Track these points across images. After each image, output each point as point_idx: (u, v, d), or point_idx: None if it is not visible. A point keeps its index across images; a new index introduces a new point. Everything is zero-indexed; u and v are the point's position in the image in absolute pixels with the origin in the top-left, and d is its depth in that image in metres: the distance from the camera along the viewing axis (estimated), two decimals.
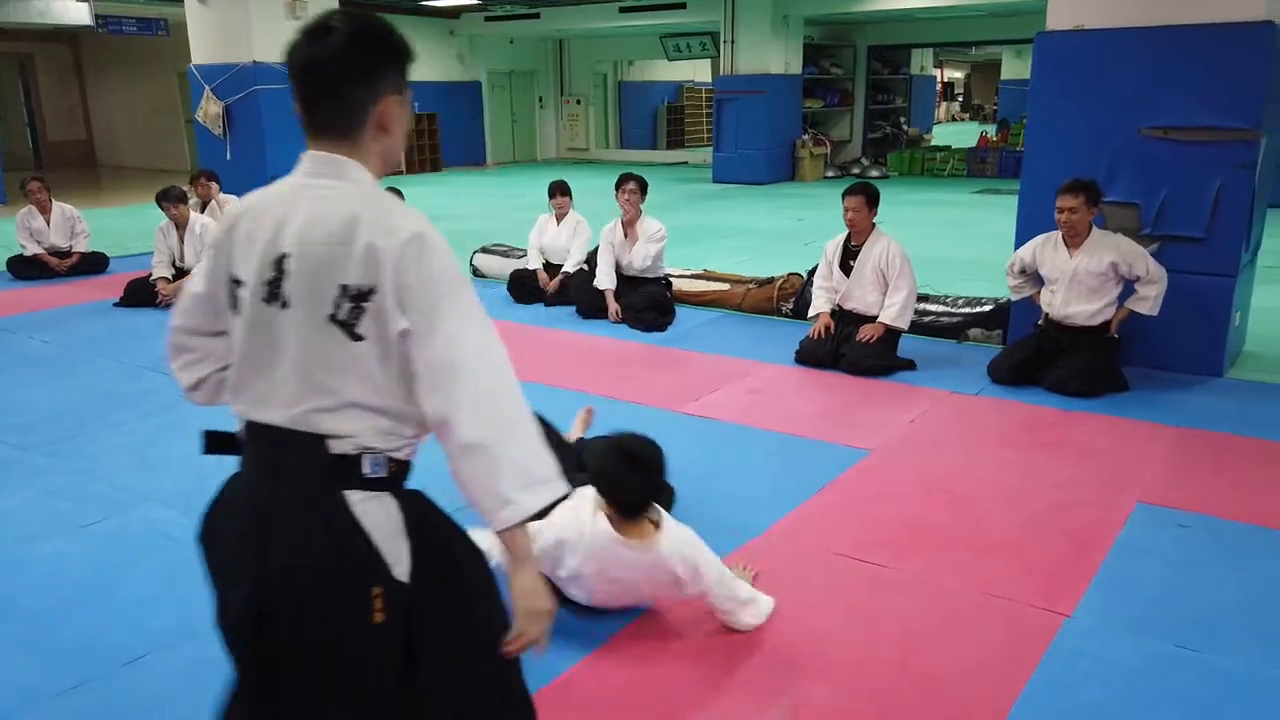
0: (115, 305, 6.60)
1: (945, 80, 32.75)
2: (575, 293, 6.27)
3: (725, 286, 6.51)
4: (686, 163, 19.09)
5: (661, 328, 5.87)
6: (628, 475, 2.48)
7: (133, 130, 19.30)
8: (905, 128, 18.61)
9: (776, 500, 3.44)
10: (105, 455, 3.92)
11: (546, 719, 1.71)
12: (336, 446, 1.39)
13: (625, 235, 6.11)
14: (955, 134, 22.43)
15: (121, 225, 10.12)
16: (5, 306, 6.70)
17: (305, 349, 1.39)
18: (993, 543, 3.11)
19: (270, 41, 8.58)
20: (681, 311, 6.22)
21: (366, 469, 1.41)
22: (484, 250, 7.72)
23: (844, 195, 5.12)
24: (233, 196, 7.51)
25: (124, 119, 19.42)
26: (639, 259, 6.04)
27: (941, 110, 31.08)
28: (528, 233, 6.84)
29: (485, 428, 1.41)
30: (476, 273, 7.62)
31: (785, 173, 15.37)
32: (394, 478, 1.45)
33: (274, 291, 1.40)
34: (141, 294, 6.57)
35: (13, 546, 3.11)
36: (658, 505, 2.61)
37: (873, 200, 5.08)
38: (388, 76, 1.44)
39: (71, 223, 7.74)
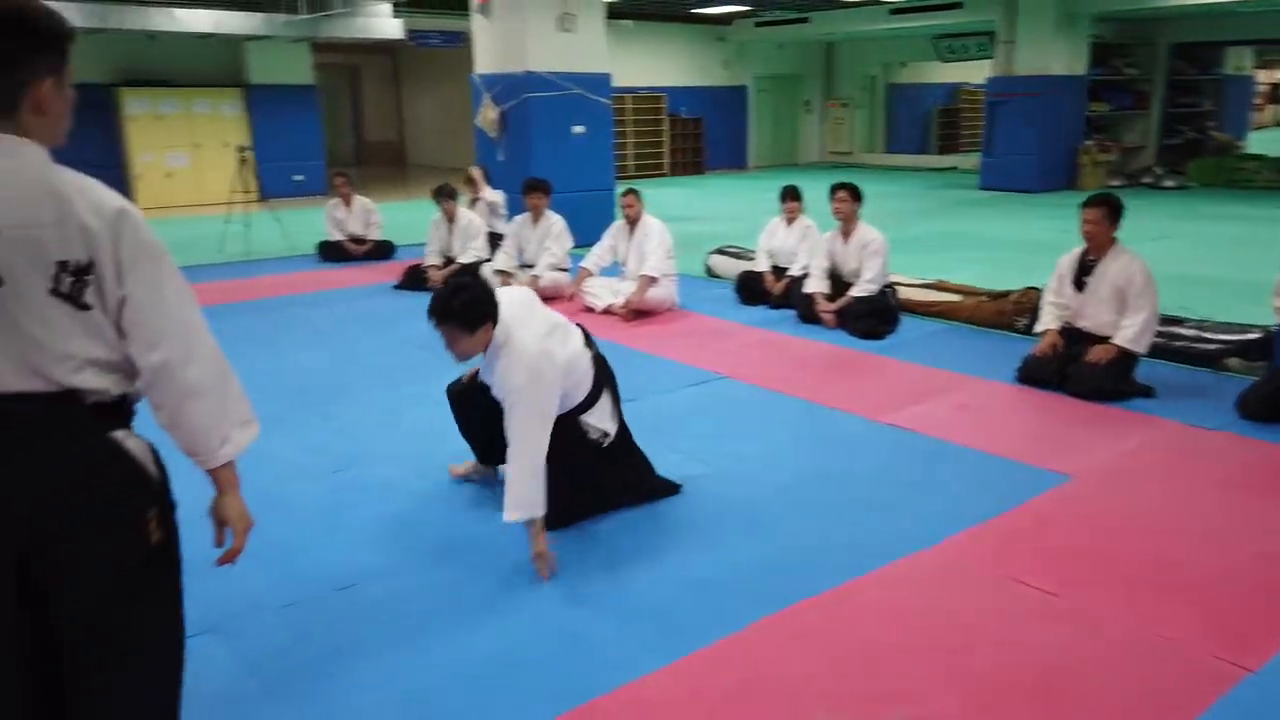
0: (394, 288, 7.50)
1: (1272, 82, 28.94)
2: (796, 296, 6.34)
3: (956, 298, 6.31)
4: (956, 168, 18.33)
5: (880, 335, 5.81)
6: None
7: (434, 132, 21.42)
8: (1212, 134, 16.76)
9: (956, 516, 3.37)
10: (358, 417, 4.54)
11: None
12: (90, 398, 1.56)
13: (845, 242, 6.10)
14: (1275, 141, 19.84)
15: (413, 218, 11.36)
16: (309, 284, 7.81)
17: (30, 323, 1.50)
18: (1180, 584, 2.89)
19: (542, 53, 9.30)
20: (907, 321, 6.12)
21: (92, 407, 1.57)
22: (719, 251, 7.95)
23: (1083, 206, 4.83)
24: (501, 192, 8.27)
25: (428, 122, 21.60)
26: (851, 265, 6.04)
27: (1267, 114, 27.56)
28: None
29: (210, 376, 1.64)
30: (710, 272, 7.87)
31: (1062, 181, 14.37)
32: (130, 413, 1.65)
33: None
34: (416, 278, 7.41)
35: (273, 485, 3.70)
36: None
37: (1115, 213, 4.76)
38: (34, 62, 1.52)
39: (368, 214, 8.85)
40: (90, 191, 1.56)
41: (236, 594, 2.84)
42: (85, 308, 1.54)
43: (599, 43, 9.78)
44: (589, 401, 3.39)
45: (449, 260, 7.44)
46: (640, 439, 4.18)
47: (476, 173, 8.35)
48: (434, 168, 20.92)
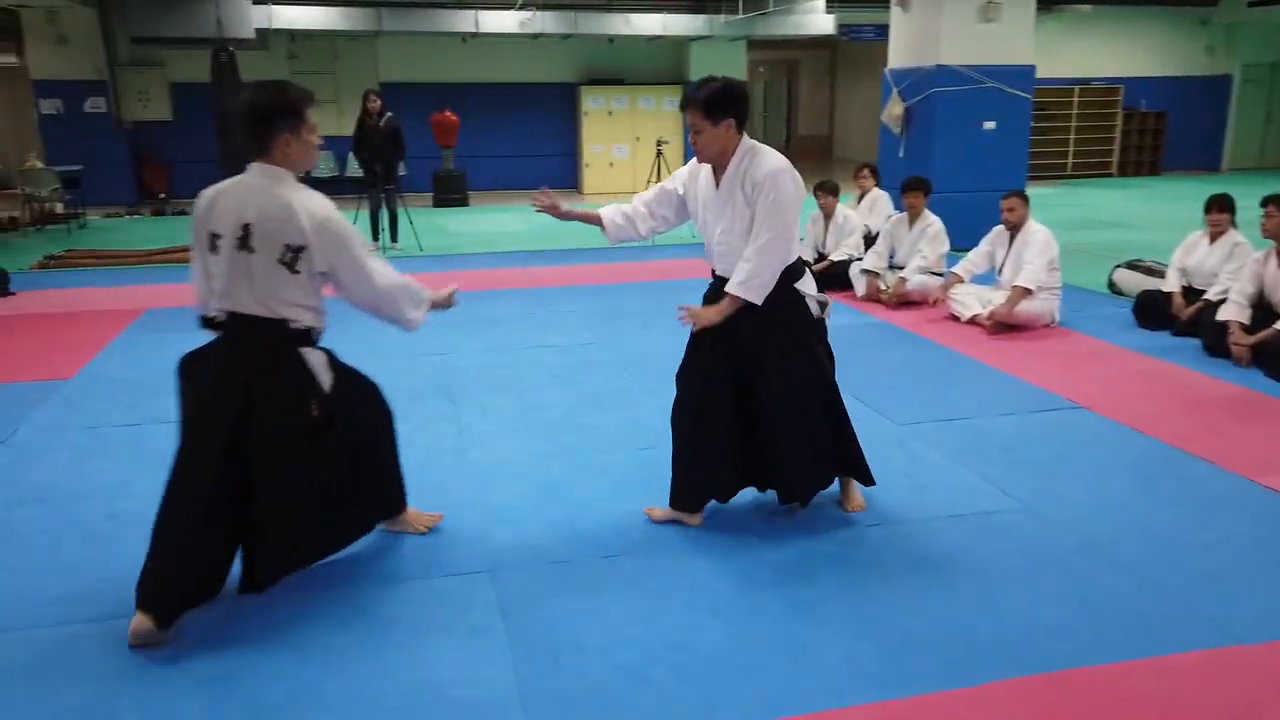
0: None
1: None
2: (1206, 324, 5.42)
3: None
4: None
5: None
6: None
7: (862, 126, 21.27)
8: None
9: None
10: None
11: None
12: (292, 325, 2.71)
13: (1278, 265, 5.07)
14: None
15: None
16: (688, 271, 8.26)
17: (265, 277, 2.63)
18: None
19: (957, 45, 8.86)
20: None
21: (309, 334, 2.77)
22: (1129, 265, 7.02)
23: None
24: (884, 194, 8.07)
25: (857, 116, 21.53)
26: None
27: None
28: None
29: (383, 298, 2.81)
30: (1113, 288, 7.00)
31: None
32: (317, 339, 2.81)
33: (244, 243, 2.62)
34: None
35: (593, 456, 4.06)
36: None
37: None
38: (275, 126, 2.64)
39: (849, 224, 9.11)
40: (310, 204, 2.67)
41: (517, 544, 3.21)
42: (296, 273, 2.67)
43: (1024, 33, 9.05)
44: (798, 268, 3.18)
45: (821, 257, 7.45)
46: (953, 459, 3.94)
47: (865, 170, 8.22)
48: (857, 162, 20.79)
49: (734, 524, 3.38)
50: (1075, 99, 16.47)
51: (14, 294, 7.29)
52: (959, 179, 8.91)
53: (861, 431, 4.24)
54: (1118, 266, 7.10)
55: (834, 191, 7.45)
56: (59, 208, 11.59)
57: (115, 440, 4.18)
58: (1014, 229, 6.08)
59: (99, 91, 13.54)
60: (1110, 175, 16.58)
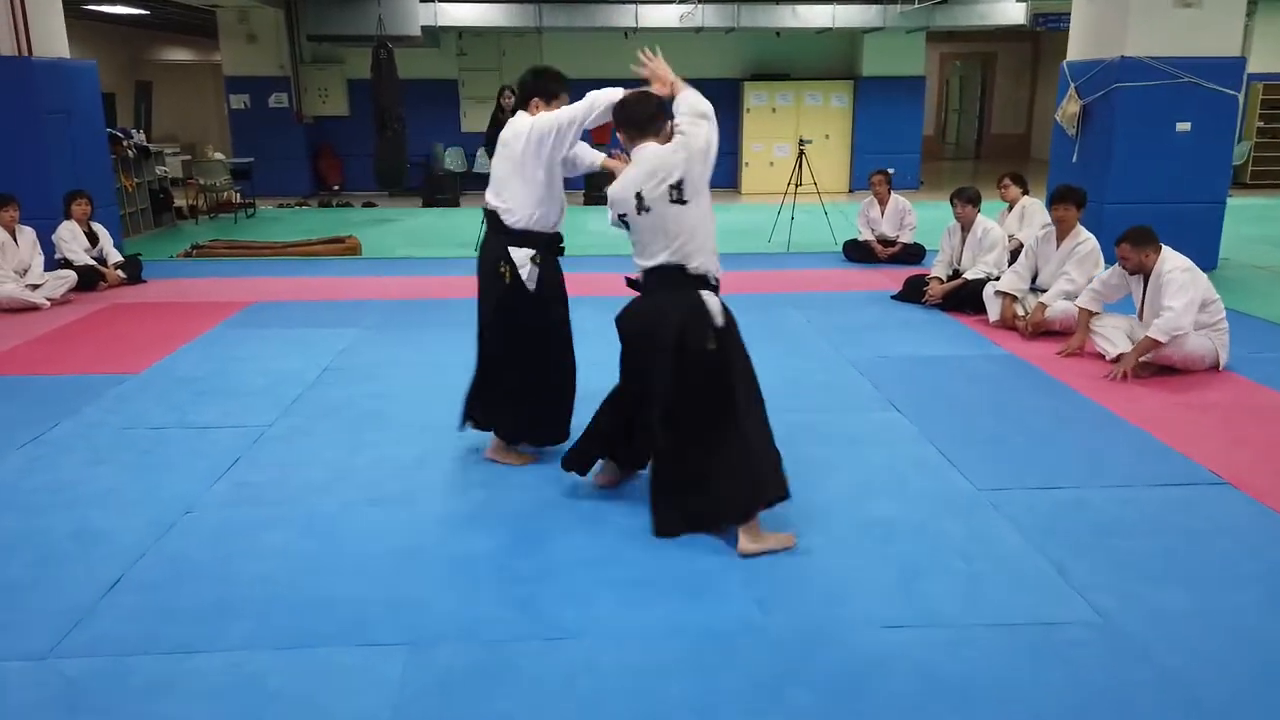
0: (892, 298, 6.90)
1: None
2: None
3: None
4: None
5: None
6: None
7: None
8: None
9: None
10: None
11: None
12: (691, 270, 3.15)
13: None
14: None
15: None
16: (809, 283, 7.58)
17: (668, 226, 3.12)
18: None
19: (1146, 33, 7.66)
20: None
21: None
22: None
23: None
24: (1038, 203, 7.07)
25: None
26: None
27: None
28: None
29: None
30: None
31: None
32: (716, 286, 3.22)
33: (679, 195, 3.08)
34: (914, 290, 6.72)
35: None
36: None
37: None
38: (655, 122, 3.22)
39: (902, 214, 8.29)
40: (668, 155, 3.12)
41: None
42: (684, 203, 3.08)
43: (1232, 19, 7.72)
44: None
45: (956, 274, 6.59)
46: (1031, 542, 3.26)
47: (1007, 179, 7.23)
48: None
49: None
50: None
51: (145, 282, 7.63)
52: (1142, 188, 7.74)
53: (930, 493, 3.59)
54: None
55: (973, 200, 6.57)
56: (236, 197, 12.28)
57: (133, 444, 4.11)
58: (1135, 273, 5.06)
59: (282, 87, 14.27)
60: None
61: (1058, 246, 5.90)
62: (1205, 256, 7.44)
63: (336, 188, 14.81)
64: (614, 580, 2.96)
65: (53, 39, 7.85)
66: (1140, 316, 5.10)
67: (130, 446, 4.08)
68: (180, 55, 18.98)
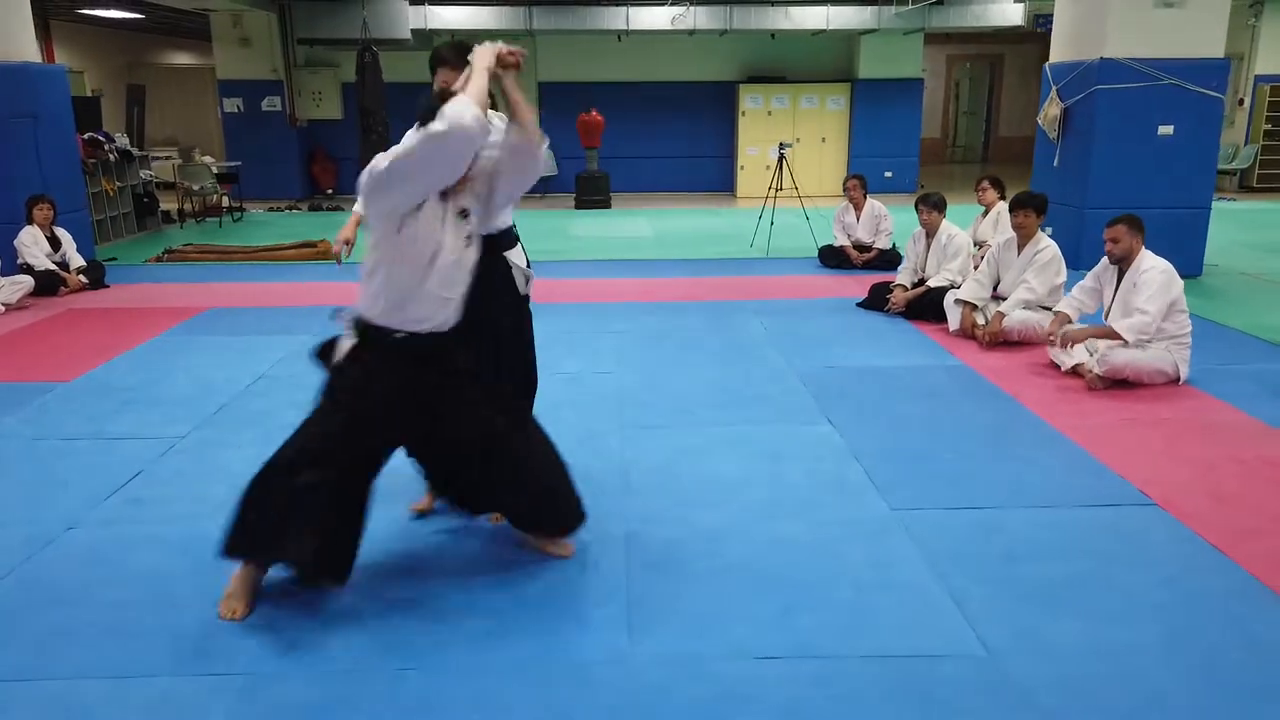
0: (857, 305, 6.73)
1: None
2: None
3: None
4: None
5: None
6: None
7: None
8: None
9: None
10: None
11: None
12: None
13: None
14: None
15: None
16: (778, 289, 7.42)
17: None
18: None
19: (1127, 34, 7.45)
20: None
21: None
22: None
23: None
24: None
25: None
26: None
27: None
28: None
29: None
30: None
31: None
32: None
33: None
34: (878, 298, 6.55)
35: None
36: None
37: None
38: None
39: (877, 220, 8.11)
40: None
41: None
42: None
43: (1217, 19, 7.50)
44: (512, 235, 3.24)
45: (920, 281, 6.41)
46: (932, 568, 3.11)
47: (985, 182, 7.06)
48: None
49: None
50: None
51: (108, 287, 7.58)
52: (1123, 193, 7.53)
53: (840, 514, 3.46)
54: None
55: (938, 206, 6.39)
56: (225, 201, 12.27)
57: (38, 456, 4.02)
58: (1118, 262, 4.88)
59: (275, 91, 14.27)
60: None
61: (1019, 254, 5.72)
62: (1189, 263, 7.26)
63: (330, 191, 14.79)
64: (475, 601, 2.83)
65: (18, 42, 7.82)
66: (1105, 315, 4.92)
67: (34, 459, 3.99)
68: (181, 59, 19.06)
